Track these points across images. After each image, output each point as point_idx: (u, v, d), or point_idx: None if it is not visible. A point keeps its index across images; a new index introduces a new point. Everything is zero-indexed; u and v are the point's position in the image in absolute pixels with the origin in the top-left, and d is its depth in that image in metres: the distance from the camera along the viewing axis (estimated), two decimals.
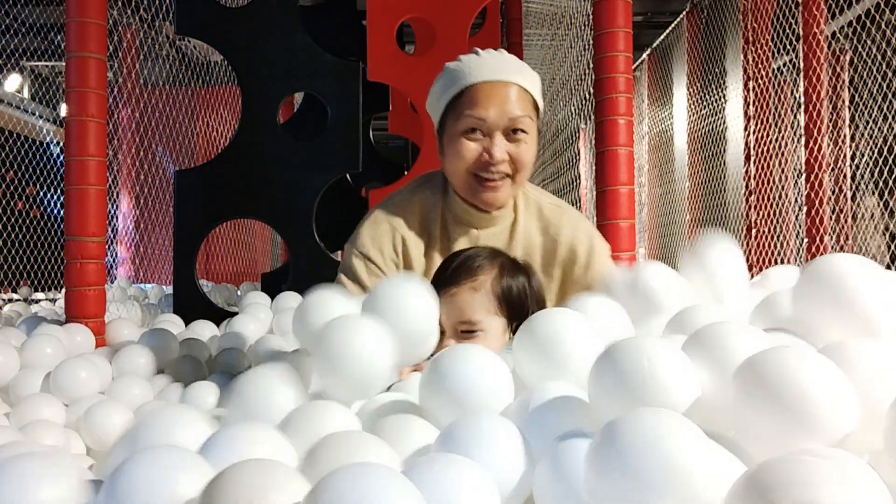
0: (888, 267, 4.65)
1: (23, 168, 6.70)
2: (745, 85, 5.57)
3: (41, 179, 6.87)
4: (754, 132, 5.50)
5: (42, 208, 6.87)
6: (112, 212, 6.66)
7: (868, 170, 5.10)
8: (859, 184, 5.35)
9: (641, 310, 1.17)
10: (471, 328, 1.35)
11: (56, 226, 6.53)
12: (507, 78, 1.52)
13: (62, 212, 2.48)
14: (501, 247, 1.60)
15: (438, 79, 1.60)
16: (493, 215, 1.61)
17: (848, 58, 5.85)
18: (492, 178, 1.53)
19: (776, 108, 5.63)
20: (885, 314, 0.94)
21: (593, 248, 1.63)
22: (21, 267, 6.58)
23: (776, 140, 5.56)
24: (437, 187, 1.65)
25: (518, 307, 1.38)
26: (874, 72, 4.79)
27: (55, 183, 6.87)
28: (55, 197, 7.01)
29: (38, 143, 6.93)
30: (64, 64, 2.51)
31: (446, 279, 1.38)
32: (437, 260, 1.60)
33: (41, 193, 7.02)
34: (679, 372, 0.83)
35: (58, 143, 7.06)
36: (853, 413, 0.76)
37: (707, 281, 1.23)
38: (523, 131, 1.52)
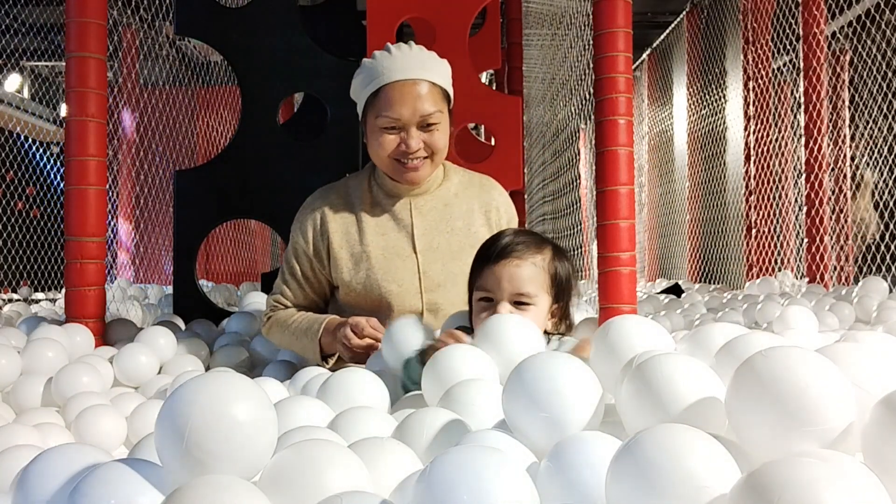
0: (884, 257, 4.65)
1: (23, 168, 6.70)
2: (745, 85, 5.57)
3: (38, 180, 6.87)
4: (754, 132, 5.49)
5: (41, 208, 6.86)
6: (112, 212, 6.66)
7: (869, 152, 5.10)
8: (859, 164, 5.35)
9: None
10: (527, 300, 1.40)
11: (56, 225, 6.53)
12: (417, 75, 1.71)
13: (62, 212, 2.47)
14: (438, 212, 1.82)
15: (358, 73, 1.78)
16: (420, 186, 1.83)
17: (848, 58, 5.85)
18: (411, 162, 1.74)
19: (776, 108, 5.63)
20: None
21: (511, 222, 1.89)
22: (21, 267, 6.58)
23: (776, 140, 5.56)
24: (367, 170, 1.91)
25: (563, 290, 1.47)
26: (874, 72, 4.78)
27: (51, 186, 6.88)
28: (54, 198, 7.00)
29: (38, 142, 6.94)
30: (64, 64, 2.51)
31: (508, 250, 1.43)
32: (369, 230, 1.81)
33: (45, 168, 6.99)
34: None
35: (57, 142, 7.06)
36: (850, 412, 0.77)
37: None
38: (435, 122, 1.72)
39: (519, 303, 1.40)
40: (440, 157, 1.78)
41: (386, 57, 1.72)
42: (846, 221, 5.03)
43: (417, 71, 1.71)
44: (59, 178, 7.31)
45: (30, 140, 7.28)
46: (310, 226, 1.87)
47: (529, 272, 1.40)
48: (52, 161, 7.48)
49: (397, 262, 1.79)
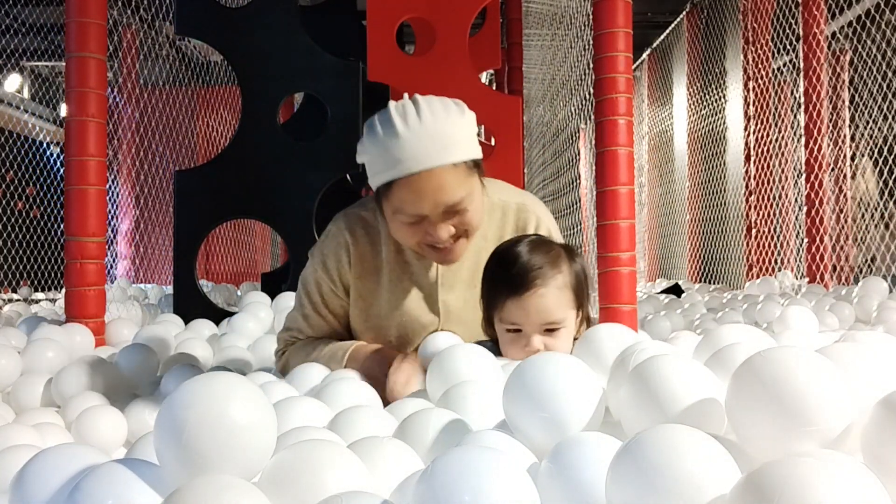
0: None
1: (23, 168, 6.71)
2: (745, 85, 5.57)
3: (40, 179, 6.87)
4: (754, 132, 5.50)
5: (41, 208, 6.87)
6: (112, 212, 6.66)
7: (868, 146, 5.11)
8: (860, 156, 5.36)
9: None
10: (557, 326, 1.34)
11: (56, 226, 6.53)
12: (436, 163, 1.38)
13: (62, 212, 2.48)
14: (469, 267, 1.56)
15: (365, 146, 1.45)
16: None
17: (848, 58, 5.85)
18: (443, 246, 1.46)
19: (776, 108, 5.63)
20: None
21: (539, 227, 1.63)
22: (21, 267, 6.58)
23: (776, 140, 5.56)
24: None
25: (583, 293, 1.39)
26: (874, 72, 4.78)
27: (54, 184, 6.88)
28: (55, 197, 7.01)
29: (38, 143, 6.94)
30: (64, 64, 2.51)
31: (529, 279, 1.33)
32: (390, 285, 1.58)
33: (41, 191, 7.02)
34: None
35: (57, 143, 7.07)
36: (849, 413, 0.77)
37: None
38: (464, 206, 1.44)
39: (550, 330, 1.34)
40: (474, 230, 1.49)
41: (394, 143, 1.38)
42: (846, 221, 5.03)
43: (434, 157, 1.38)
44: (61, 176, 7.33)
45: (47, 140, 7.29)
46: (334, 260, 1.60)
47: (554, 299, 1.32)
48: (55, 158, 7.50)
49: (416, 326, 1.58)
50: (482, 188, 1.50)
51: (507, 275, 1.35)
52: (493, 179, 1.62)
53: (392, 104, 1.44)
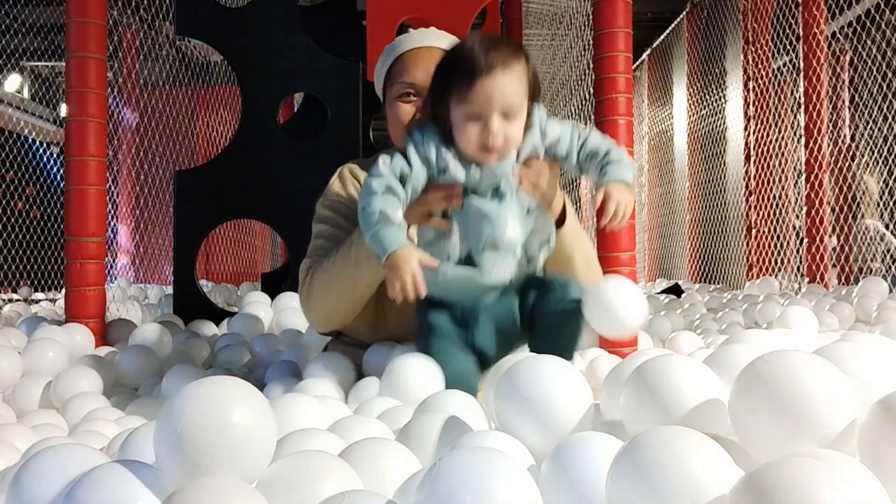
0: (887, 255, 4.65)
1: (23, 168, 6.71)
2: (745, 85, 5.57)
3: (39, 179, 6.87)
4: (754, 132, 5.49)
5: (41, 208, 6.87)
6: (112, 212, 6.66)
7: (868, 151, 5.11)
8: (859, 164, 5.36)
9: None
10: (514, 112, 1.36)
11: (57, 225, 6.53)
12: (431, 43, 1.66)
13: (62, 212, 2.48)
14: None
15: (379, 60, 1.75)
16: None
17: (848, 58, 5.85)
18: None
19: (776, 108, 5.63)
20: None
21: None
22: (21, 267, 6.58)
23: (776, 140, 5.56)
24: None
25: (536, 90, 1.42)
26: (874, 72, 4.79)
27: (54, 185, 6.87)
28: (54, 197, 7.01)
29: (38, 142, 6.95)
30: (64, 64, 2.51)
31: (491, 61, 1.34)
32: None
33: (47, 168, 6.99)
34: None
35: (58, 143, 7.07)
36: (852, 415, 0.77)
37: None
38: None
39: (507, 115, 1.36)
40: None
41: (405, 35, 1.72)
42: (846, 221, 5.03)
43: (432, 40, 1.67)
44: (59, 177, 7.33)
45: (38, 142, 7.28)
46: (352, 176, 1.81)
47: (515, 83, 1.35)
48: (53, 160, 7.51)
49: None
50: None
51: (469, 59, 1.36)
52: None
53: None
